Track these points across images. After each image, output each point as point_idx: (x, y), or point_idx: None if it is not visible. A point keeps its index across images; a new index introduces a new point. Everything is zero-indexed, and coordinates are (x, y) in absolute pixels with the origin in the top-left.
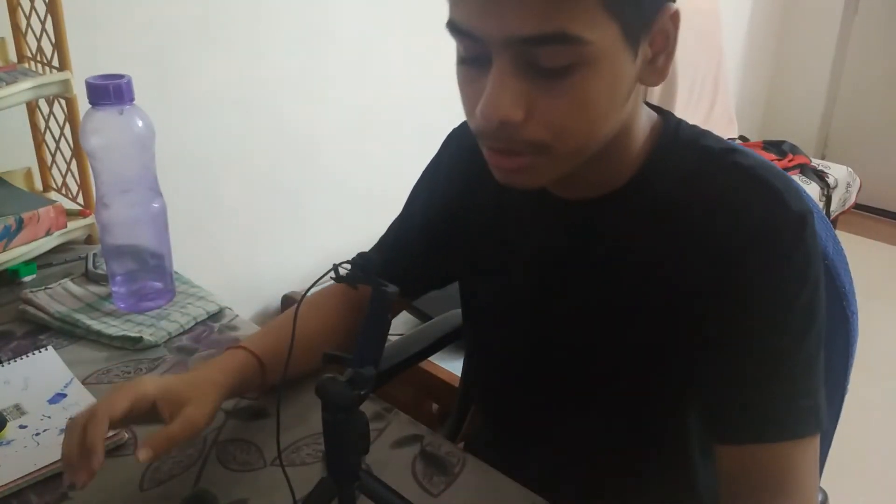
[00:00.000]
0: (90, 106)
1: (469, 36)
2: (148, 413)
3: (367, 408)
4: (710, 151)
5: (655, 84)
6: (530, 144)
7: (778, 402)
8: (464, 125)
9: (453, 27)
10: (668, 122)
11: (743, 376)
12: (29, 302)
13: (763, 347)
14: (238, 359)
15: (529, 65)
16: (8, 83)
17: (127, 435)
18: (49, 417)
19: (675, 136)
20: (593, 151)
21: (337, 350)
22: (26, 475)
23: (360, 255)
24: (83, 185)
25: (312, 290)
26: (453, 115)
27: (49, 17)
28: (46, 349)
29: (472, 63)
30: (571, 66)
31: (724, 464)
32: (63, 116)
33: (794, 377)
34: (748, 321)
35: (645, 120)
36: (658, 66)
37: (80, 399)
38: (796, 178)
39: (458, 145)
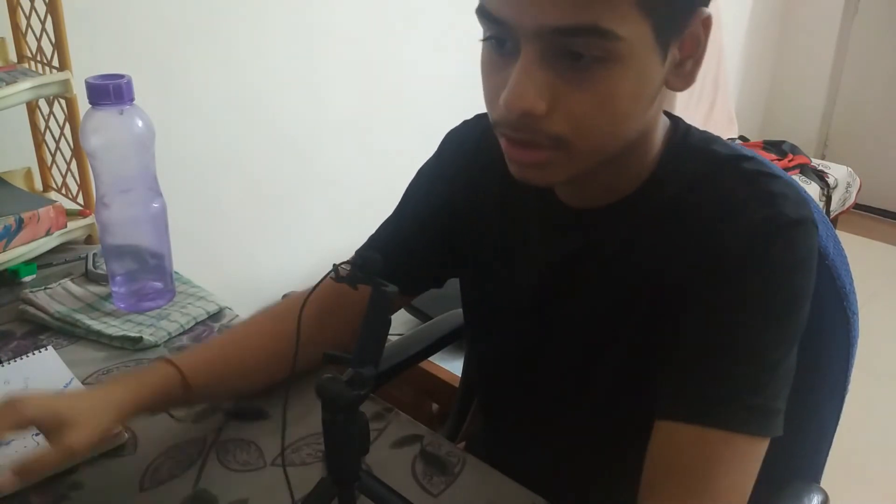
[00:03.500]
0: (90, 106)
1: (499, 24)
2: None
3: (367, 408)
4: (717, 157)
5: (682, 89)
6: (550, 138)
7: (722, 389)
8: (463, 125)
9: (483, 14)
10: (677, 129)
11: (696, 355)
12: (29, 302)
13: (723, 335)
14: (159, 373)
15: (557, 57)
16: (8, 83)
17: (126, 435)
18: None
19: (683, 142)
20: (611, 154)
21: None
22: None
23: (361, 255)
24: (83, 185)
25: (323, 295)
26: (453, 114)
27: (49, 17)
28: (46, 349)
29: (500, 51)
30: (600, 60)
31: (654, 440)
32: (63, 116)
33: (748, 372)
34: (716, 307)
35: (661, 127)
36: (686, 70)
37: None
38: (796, 177)
39: (459, 145)
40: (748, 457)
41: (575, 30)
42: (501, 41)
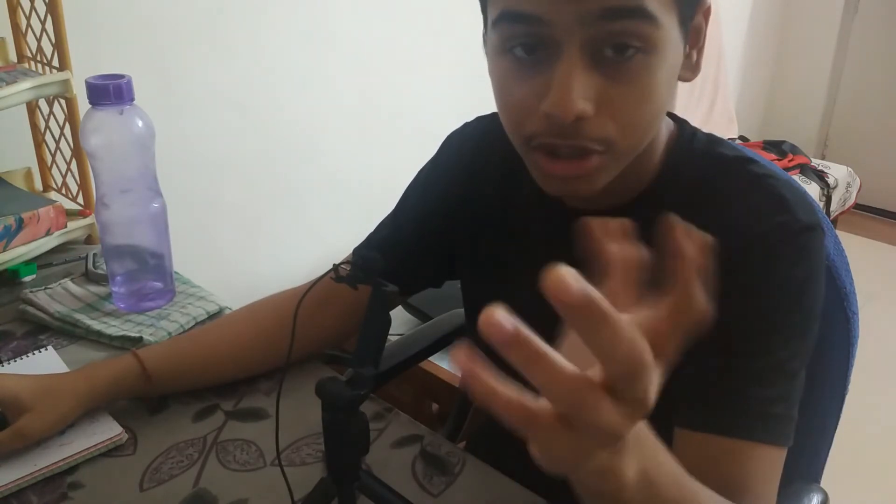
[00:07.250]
0: (90, 106)
1: (533, 23)
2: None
3: (367, 408)
4: (723, 159)
5: (690, 79)
6: (599, 141)
7: (753, 403)
8: (463, 127)
9: (511, 17)
10: (683, 131)
11: (724, 367)
12: (29, 302)
13: (750, 347)
14: (121, 365)
15: (597, 53)
16: (8, 83)
17: (127, 435)
18: None
19: (689, 145)
20: (639, 152)
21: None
22: (26, 475)
23: (361, 256)
24: (83, 185)
25: (311, 290)
26: (453, 114)
27: (49, 17)
28: (46, 349)
29: (529, 58)
30: (639, 51)
31: (682, 451)
32: (63, 116)
33: (775, 385)
34: (734, 317)
35: (664, 128)
36: (692, 61)
37: None
38: (796, 177)
39: (459, 147)
40: (775, 466)
41: (622, 10)
42: (532, 45)
